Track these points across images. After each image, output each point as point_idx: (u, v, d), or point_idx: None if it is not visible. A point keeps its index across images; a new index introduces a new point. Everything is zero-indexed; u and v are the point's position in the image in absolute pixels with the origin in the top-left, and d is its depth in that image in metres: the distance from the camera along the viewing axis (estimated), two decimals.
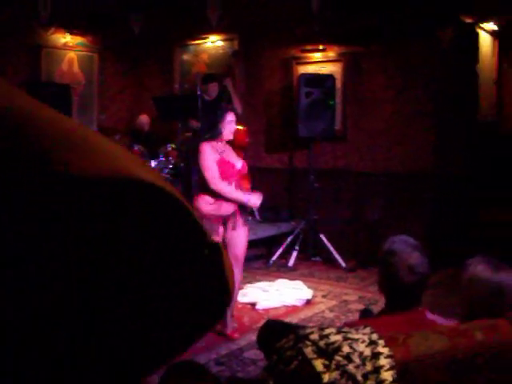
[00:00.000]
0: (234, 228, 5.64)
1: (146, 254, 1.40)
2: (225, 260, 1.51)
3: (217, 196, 5.58)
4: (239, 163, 5.86)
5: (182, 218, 1.41)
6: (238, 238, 5.73)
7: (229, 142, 5.87)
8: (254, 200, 5.75)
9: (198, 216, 1.46)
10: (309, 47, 9.59)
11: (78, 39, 10.69)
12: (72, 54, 10.65)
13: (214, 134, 5.75)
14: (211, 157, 5.62)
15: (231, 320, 5.88)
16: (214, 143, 5.71)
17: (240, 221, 5.71)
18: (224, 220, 5.62)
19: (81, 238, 1.33)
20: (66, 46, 10.54)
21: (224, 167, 5.65)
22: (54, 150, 1.25)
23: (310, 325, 5.57)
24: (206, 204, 5.57)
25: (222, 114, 5.77)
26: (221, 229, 5.59)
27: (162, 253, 1.42)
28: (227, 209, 5.62)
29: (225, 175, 5.63)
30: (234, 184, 5.72)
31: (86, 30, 10.74)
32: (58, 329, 1.40)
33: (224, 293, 1.54)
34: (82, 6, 10.28)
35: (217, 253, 1.48)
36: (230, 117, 5.80)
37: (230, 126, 5.79)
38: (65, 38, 10.49)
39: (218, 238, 5.50)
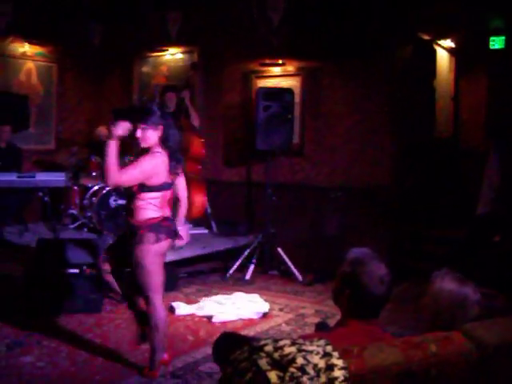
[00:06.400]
0: None
1: None
2: None
3: None
4: None
5: None
6: None
7: (182, 152, 5.29)
8: None
9: None
10: (268, 61, 9.62)
11: (37, 49, 10.57)
12: (30, 64, 10.53)
13: None
14: None
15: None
16: None
17: None
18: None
19: None
20: (24, 56, 10.41)
21: None
22: None
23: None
24: None
25: None
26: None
27: None
28: None
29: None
30: None
31: (46, 39, 10.62)
32: None
33: None
34: (41, 16, 10.19)
35: None
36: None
37: None
38: (23, 48, 10.35)
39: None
